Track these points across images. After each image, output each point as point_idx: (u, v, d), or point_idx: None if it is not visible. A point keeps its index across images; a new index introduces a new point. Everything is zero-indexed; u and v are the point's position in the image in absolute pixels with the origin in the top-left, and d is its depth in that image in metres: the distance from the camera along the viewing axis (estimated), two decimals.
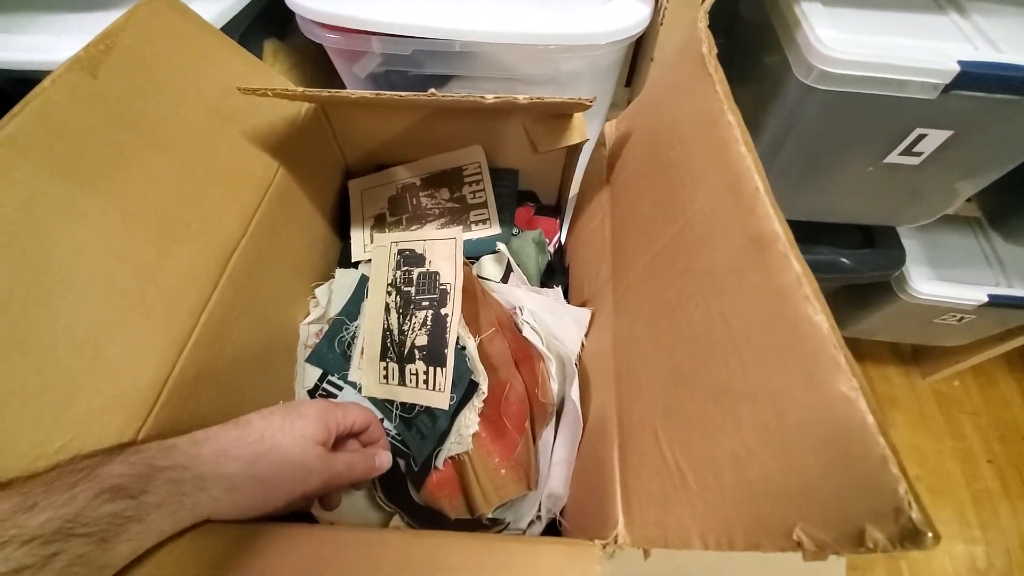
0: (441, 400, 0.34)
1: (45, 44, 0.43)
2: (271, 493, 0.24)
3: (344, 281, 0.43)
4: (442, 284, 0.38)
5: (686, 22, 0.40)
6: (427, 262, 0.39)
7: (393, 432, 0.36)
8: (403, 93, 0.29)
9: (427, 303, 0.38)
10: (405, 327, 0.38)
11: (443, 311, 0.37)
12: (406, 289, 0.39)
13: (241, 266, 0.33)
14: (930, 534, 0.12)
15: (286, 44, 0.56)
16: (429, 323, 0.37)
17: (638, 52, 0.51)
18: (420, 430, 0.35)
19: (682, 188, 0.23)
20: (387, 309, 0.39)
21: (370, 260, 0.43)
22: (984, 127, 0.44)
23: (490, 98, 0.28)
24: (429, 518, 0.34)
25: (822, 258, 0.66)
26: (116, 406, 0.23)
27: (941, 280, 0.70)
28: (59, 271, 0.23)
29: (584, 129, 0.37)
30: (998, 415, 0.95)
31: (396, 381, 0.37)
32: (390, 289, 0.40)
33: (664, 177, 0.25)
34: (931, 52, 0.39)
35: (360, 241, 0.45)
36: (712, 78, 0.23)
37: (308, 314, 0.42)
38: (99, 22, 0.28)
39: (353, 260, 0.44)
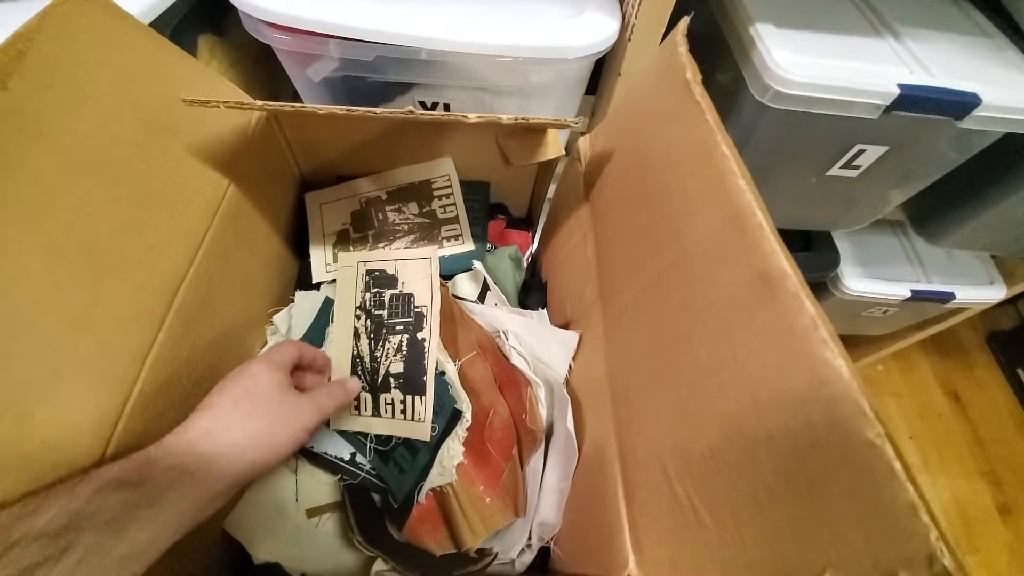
0: (423, 431, 0.33)
1: None
2: (282, 425, 0.25)
3: (305, 304, 0.40)
4: (417, 307, 0.36)
5: (654, 39, 0.41)
6: (400, 283, 0.37)
7: (367, 467, 0.34)
8: (377, 109, 0.27)
9: (401, 327, 0.36)
10: (378, 353, 0.36)
11: (419, 335, 0.35)
12: (377, 312, 0.37)
13: (190, 298, 0.29)
14: None
15: (224, 40, 0.51)
16: (405, 348, 0.35)
17: (602, 62, 0.51)
18: (398, 463, 0.34)
19: (676, 218, 0.22)
20: (356, 334, 0.36)
21: (334, 281, 0.40)
22: (915, 143, 0.48)
23: (473, 117, 0.27)
24: (413, 557, 0.32)
25: None
26: (53, 477, 0.20)
27: (870, 278, 0.77)
28: None
29: (559, 144, 0.37)
30: (917, 396, 1.06)
31: (369, 412, 0.34)
32: (359, 313, 0.37)
33: (654, 203, 0.25)
34: (874, 75, 0.42)
35: (322, 260, 0.42)
36: (700, 106, 0.23)
37: (266, 343, 0.38)
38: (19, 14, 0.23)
39: (314, 281, 0.41)
